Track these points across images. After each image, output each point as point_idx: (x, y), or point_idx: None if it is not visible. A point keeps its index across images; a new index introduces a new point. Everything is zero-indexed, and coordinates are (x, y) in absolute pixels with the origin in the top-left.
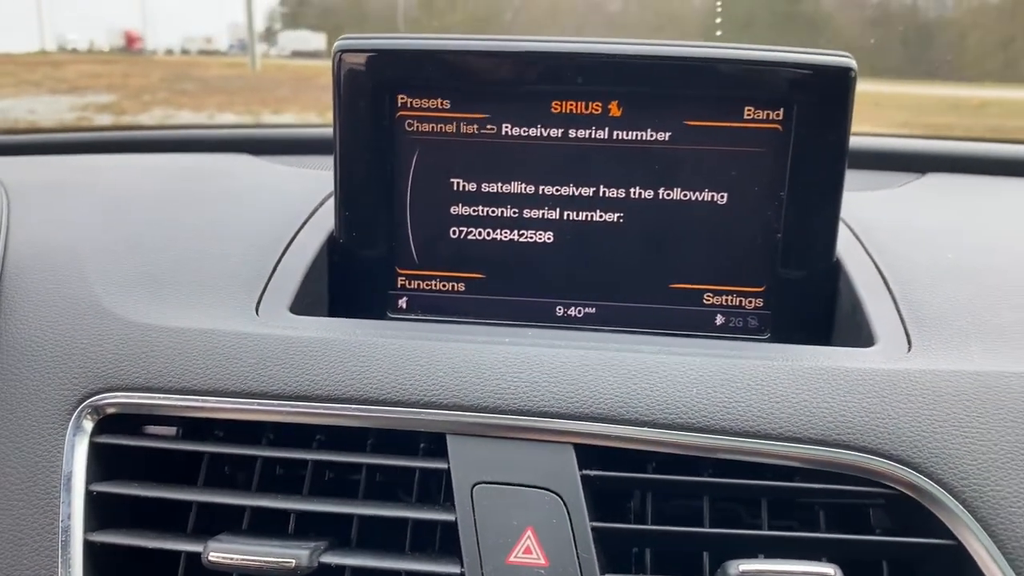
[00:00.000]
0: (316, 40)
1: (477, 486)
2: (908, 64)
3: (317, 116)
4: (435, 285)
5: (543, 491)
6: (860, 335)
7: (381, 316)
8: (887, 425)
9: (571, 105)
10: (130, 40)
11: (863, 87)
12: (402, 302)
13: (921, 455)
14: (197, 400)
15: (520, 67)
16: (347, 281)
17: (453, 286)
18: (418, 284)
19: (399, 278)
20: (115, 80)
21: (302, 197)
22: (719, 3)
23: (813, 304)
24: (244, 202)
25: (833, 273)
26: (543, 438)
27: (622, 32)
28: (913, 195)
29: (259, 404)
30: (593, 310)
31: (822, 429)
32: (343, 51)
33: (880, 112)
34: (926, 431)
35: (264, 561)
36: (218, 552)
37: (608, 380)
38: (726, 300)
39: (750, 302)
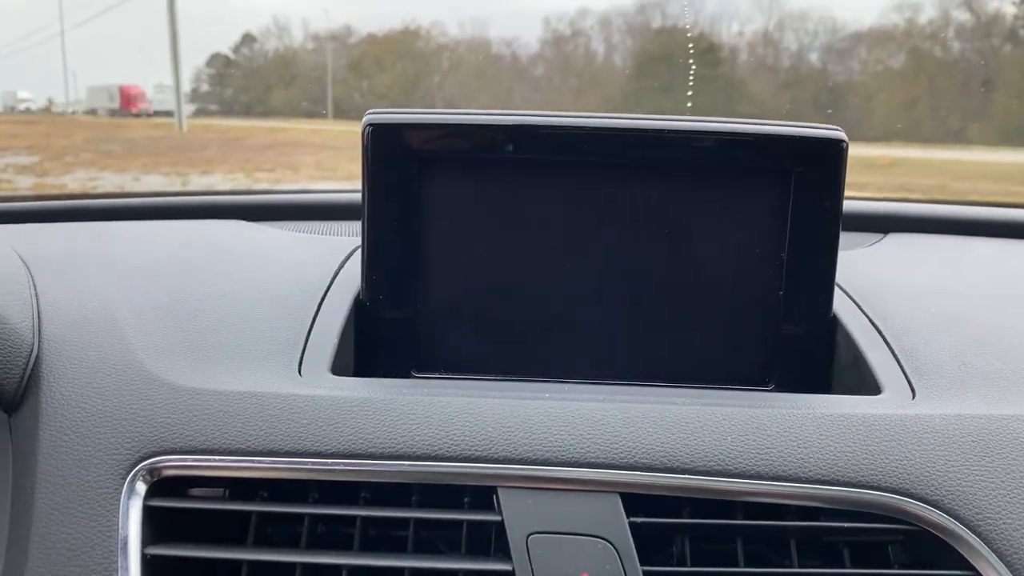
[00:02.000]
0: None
1: (532, 536)
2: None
3: (245, 176)
4: (459, 345)
5: (595, 538)
6: (864, 384)
7: (406, 375)
8: (906, 466)
9: (586, 175)
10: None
11: None
12: (425, 361)
13: (938, 493)
14: (250, 461)
15: (539, 139)
16: (373, 342)
17: (475, 346)
18: (442, 344)
19: (424, 338)
20: (36, 141)
21: (319, 261)
22: (691, 79)
23: (814, 356)
24: (265, 268)
25: (831, 327)
26: (591, 488)
27: (547, 92)
28: (886, 254)
29: (313, 463)
30: (615, 368)
31: (848, 471)
32: (372, 124)
33: None
34: (940, 470)
35: None
36: None
37: (649, 431)
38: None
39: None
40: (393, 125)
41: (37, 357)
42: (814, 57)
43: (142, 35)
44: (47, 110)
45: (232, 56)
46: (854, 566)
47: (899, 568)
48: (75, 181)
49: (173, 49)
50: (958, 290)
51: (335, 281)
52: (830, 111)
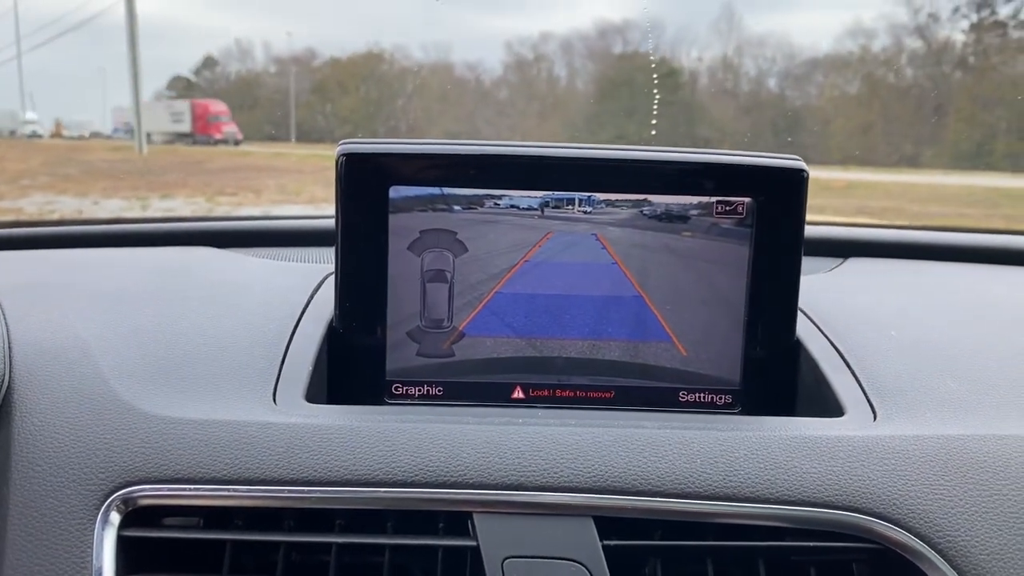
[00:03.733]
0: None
1: (507, 560)
2: (778, 149)
3: (207, 200)
4: (428, 370)
5: (570, 562)
6: (827, 406)
7: (379, 400)
8: (868, 486)
9: (555, 208)
10: None
11: None
12: (397, 387)
13: (899, 512)
14: (225, 489)
15: (504, 168)
16: (345, 368)
17: (446, 372)
18: (413, 370)
19: (394, 364)
20: None
21: (290, 288)
22: (655, 105)
23: (778, 379)
24: (237, 296)
25: (795, 351)
26: (565, 512)
27: (511, 116)
28: (846, 279)
29: (288, 491)
30: (585, 394)
31: (813, 492)
32: (345, 154)
33: None
34: (901, 490)
35: None
36: None
37: (620, 455)
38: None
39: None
40: (365, 155)
41: (8, 387)
42: (772, 83)
43: (102, 57)
44: (57, 134)
45: (193, 79)
46: None
47: None
48: (32, 205)
49: (133, 71)
50: (916, 314)
51: (307, 308)
52: (789, 139)
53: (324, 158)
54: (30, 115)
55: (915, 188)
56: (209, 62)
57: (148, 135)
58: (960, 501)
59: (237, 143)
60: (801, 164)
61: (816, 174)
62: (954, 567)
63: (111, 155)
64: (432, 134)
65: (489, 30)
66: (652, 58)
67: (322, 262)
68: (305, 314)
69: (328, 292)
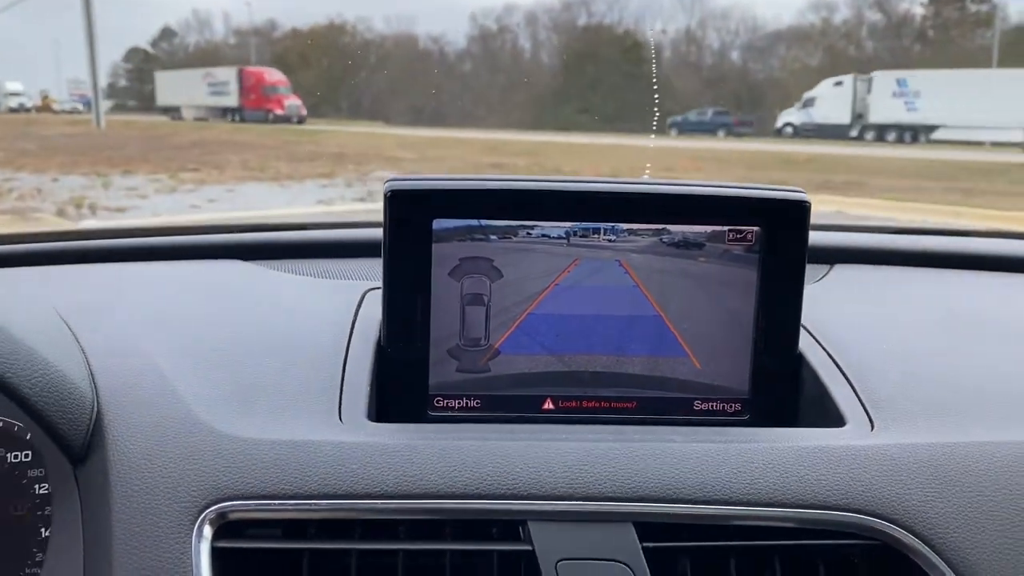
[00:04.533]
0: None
1: (561, 562)
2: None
3: (170, 177)
4: (467, 385)
5: (614, 562)
6: (829, 417)
7: (422, 412)
8: (870, 490)
9: (582, 236)
10: None
11: (705, 144)
12: (439, 400)
13: (898, 512)
14: (306, 504)
15: (535, 200)
16: (391, 383)
17: (483, 386)
18: (453, 384)
19: (436, 379)
20: None
21: (335, 308)
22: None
23: (783, 389)
24: (288, 316)
25: (797, 363)
26: (609, 519)
27: (476, 88)
28: (836, 288)
29: (361, 504)
30: (609, 404)
31: (822, 496)
32: (392, 191)
33: (724, 168)
34: (899, 493)
35: None
36: None
37: (654, 467)
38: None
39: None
40: (411, 191)
41: (98, 412)
42: (736, 55)
43: (56, 29)
44: (45, 107)
45: (151, 50)
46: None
47: None
48: None
49: (89, 41)
50: (905, 324)
51: (355, 327)
52: (753, 114)
53: (287, 131)
54: (13, 86)
55: (875, 161)
56: (167, 33)
57: (178, 111)
58: (951, 502)
59: (301, 120)
60: (804, 196)
61: (778, 147)
62: (945, 560)
63: (69, 129)
64: (396, 108)
65: (453, 1)
66: (655, 38)
67: (347, 275)
68: (354, 333)
69: (369, 310)
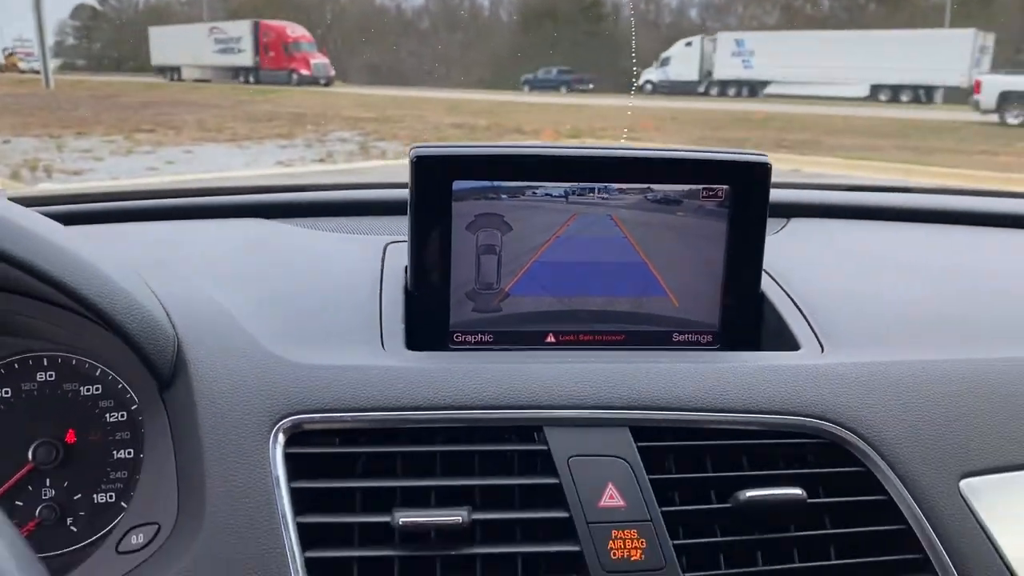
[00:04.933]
0: None
1: (572, 458)
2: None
3: (125, 139)
4: (482, 323)
5: (615, 458)
6: (786, 343)
7: (444, 346)
8: (819, 399)
9: (579, 195)
10: None
11: (647, 103)
12: (458, 336)
13: (842, 417)
14: (362, 416)
15: (539, 164)
16: (418, 321)
17: (495, 324)
18: (470, 323)
19: (456, 318)
20: None
21: (363, 259)
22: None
23: (747, 322)
24: (325, 265)
25: (760, 301)
26: (609, 423)
27: (435, 46)
28: (793, 239)
29: (406, 415)
30: (602, 337)
31: (780, 404)
32: (417, 156)
33: (680, 127)
34: (844, 402)
35: (441, 521)
36: (407, 517)
37: (645, 383)
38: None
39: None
40: (434, 156)
41: (178, 344)
42: (694, 13)
43: None
44: (11, 66)
45: (99, 7)
46: (785, 468)
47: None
48: None
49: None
50: (852, 268)
51: (383, 275)
52: (592, 74)
53: (242, 90)
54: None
55: (830, 120)
56: None
57: (177, 71)
58: (886, 408)
59: (328, 82)
60: (766, 159)
61: (734, 107)
62: (881, 455)
63: (18, 89)
64: (353, 66)
65: None
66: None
67: (363, 231)
68: (383, 280)
69: (392, 261)
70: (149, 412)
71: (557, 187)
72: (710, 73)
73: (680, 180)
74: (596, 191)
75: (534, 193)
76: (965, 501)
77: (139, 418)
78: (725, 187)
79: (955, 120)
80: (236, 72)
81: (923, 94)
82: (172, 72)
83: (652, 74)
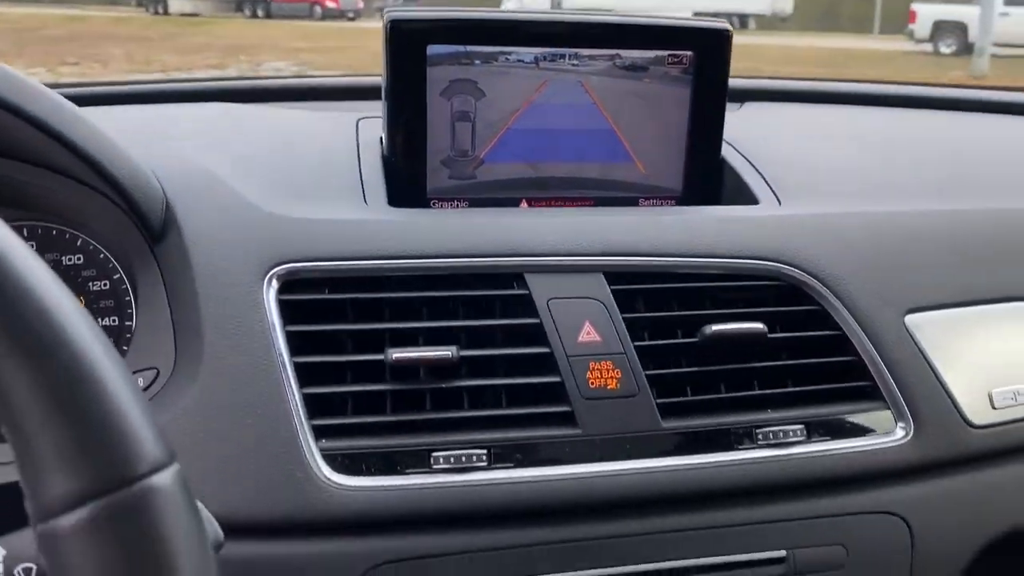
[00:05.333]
0: None
1: (551, 300)
2: None
3: (48, 72)
4: (458, 189)
5: (591, 299)
6: (744, 199)
7: (426, 204)
8: (776, 244)
9: (550, 61)
10: None
11: None
12: (435, 202)
13: (798, 259)
14: (353, 264)
15: (512, 28)
16: (395, 190)
17: (470, 190)
18: (446, 189)
19: (432, 185)
20: None
21: (337, 131)
22: None
23: (709, 186)
24: (302, 134)
25: (721, 165)
26: (585, 269)
27: None
28: (750, 115)
29: (392, 263)
30: (573, 203)
31: (740, 250)
32: (391, 20)
33: None
34: (799, 246)
35: (431, 355)
36: (399, 353)
37: (617, 232)
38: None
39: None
40: (408, 19)
41: (167, 199)
42: None
43: None
44: None
45: None
46: (746, 307)
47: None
48: None
49: None
50: (806, 138)
51: (360, 145)
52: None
53: (172, 22)
54: None
55: (767, 50)
56: None
57: (164, 4)
58: (839, 252)
59: (356, 16)
60: (727, 26)
61: None
62: (834, 293)
63: None
64: None
65: None
66: None
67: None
68: (360, 147)
69: (367, 134)
70: (141, 266)
71: (529, 52)
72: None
73: (648, 46)
74: (567, 58)
75: (507, 59)
76: (911, 335)
77: (122, 287)
78: (689, 53)
79: (891, 50)
80: (239, 4)
81: (737, 21)
82: (156, 5)
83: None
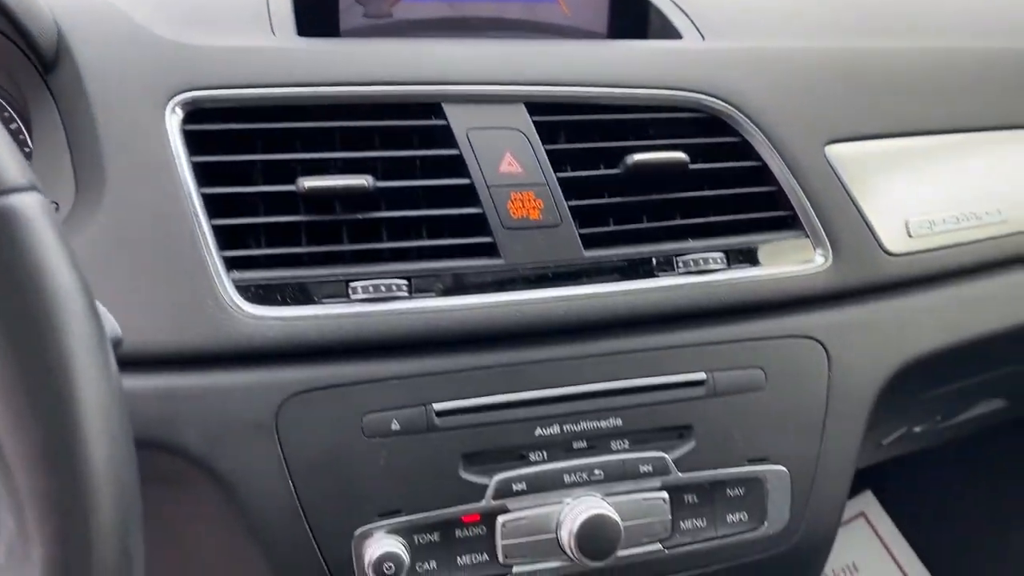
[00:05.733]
0: None
1: (470, 131)
2: None
3: None
4: (374, 29)
5: (512, 130)
6: (669, 34)
7: (336, 31)
8: (700, 76)
9: None
10: None
11: None
12: (348, 35)
13: (721, 91)
14: (259, 92)
15: None
16: (307, 18)
17: (386, 31)
18: (361, 29)
19: (346, 24)
20: None
21: None
22: None
23: (633, 24)
24: None
25: (646, 3)
26: (506, 100)
27: None
28: None
29: (306, 91)
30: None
31: (666, 80)
32: None
33: None
34: (722, 78)
35: (347, 184)
36: (311, 181)
37: (541, 61)
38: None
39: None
40: None
41: (59, 28)
42: None
43: None
44: None
45: None
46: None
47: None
48: None
49: None
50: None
51: None
52: None
53: None
54: None
55: None
56: None
57: None
58: (760, 84)
59: None
60: None
61: None
62: (756, 123)
63: None
64: None
65: None
66: None
67: None
68: None
69: None
70: (34, 98)
71: None
72: None
73: None
74: None
75: None
76: (830, 165)
77: (15, 120)
78: None
79: None
80: None
81: None
82: None
83: None
